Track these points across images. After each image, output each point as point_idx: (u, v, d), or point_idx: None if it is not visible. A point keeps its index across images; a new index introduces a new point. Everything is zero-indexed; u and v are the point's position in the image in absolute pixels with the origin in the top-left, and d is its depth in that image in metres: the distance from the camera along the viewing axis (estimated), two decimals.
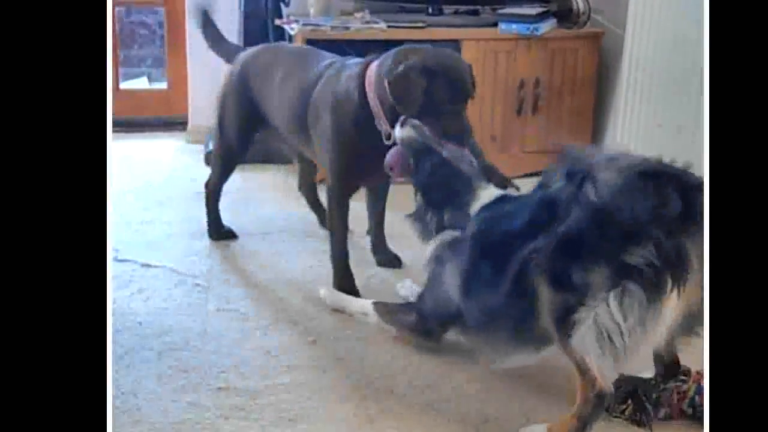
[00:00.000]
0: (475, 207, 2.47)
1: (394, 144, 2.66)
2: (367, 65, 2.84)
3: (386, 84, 2.69)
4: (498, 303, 2.25)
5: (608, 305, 1.99)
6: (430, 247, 2.55)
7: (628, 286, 1.98)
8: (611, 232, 2.00)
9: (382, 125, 2.75)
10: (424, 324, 2.58)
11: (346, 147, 2.86)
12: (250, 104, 3.19)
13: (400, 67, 2.69)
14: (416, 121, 2.59)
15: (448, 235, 2.50)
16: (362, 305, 2.79)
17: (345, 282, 2.98)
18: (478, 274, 2.33)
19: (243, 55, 3.28)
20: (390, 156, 2.65)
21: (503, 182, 2.58)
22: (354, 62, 2.95)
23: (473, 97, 2.80)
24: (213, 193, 3.42)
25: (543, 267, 2.10)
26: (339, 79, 2.89)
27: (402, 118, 2.61)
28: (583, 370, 2.09)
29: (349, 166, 2.90)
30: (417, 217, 2.59)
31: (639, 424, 2.29)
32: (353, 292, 2.95)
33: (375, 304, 2.74)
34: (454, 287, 2.41)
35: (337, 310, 2.85)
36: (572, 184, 2.11)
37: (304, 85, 2.99)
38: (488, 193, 2.50)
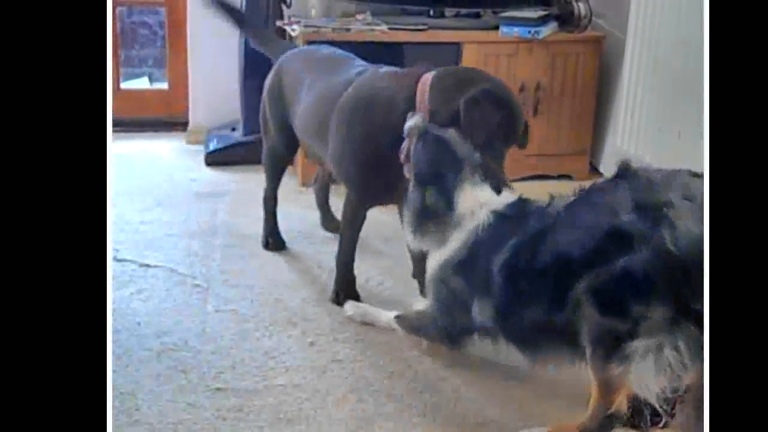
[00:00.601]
0: (462, 200, 2.36)
1: None
2: (418, 76, 2.66)
3: (461, 104, 2.52)
4: (550, 325, 2.16)
5: (678, 345, 1.96)
6: (430, 267, 2.46)
7: (692, 330, 1.95)
8: (682, 278, 1.95)
9: None
10: (447, 334, 2.49)
11: (376, 161, 2.69)
12: (285, 108, 3.09)
13: (477, 90, 2.54)
14: (421, 116, 2.52)
15: (450, 252, 2.39)
16: (388, 318, 2.70)
17: (347, 286, 2.95)
18: (522, 296, 2.22)
19: (282, 57, 3.19)
20: (399, 150, 2.56)
21: (498, 183, 2.43)
22: (388, 70, 2.80)
23: (519, 145, 2.69)
24: (267, 201, 3.36)
25: (595, 287, 2.05)
26: (373, 87, 2.73)
27: (410, 113, 2.53)
28: (606, 391, 2.09)
29: (376, 182, 2.75)
30: (406, 198, 2.50)
31: (637, 427, 2.29)
32: (354, 296, 2.93)
33: (397, 318, 2.66)
34: (484, 310, 2.31)
35: (366, 323, 2.80)
36: (646, 221, 2.01)
37: (330, 91, 2.84)
38: (484, 194, 2.38)
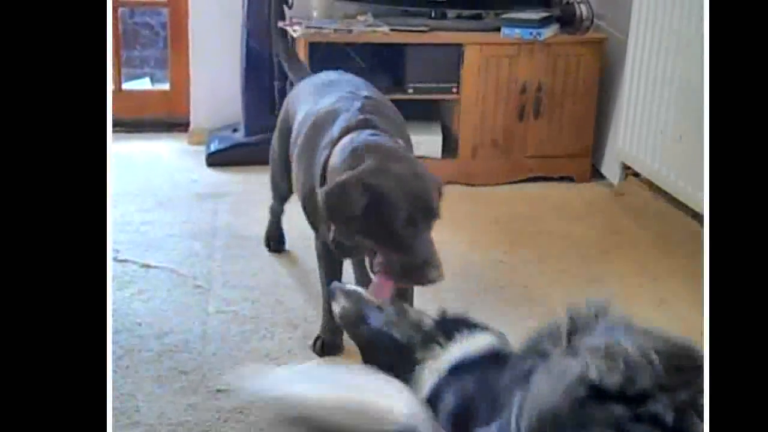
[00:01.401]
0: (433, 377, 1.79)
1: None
2: (335, 141, 2.41)
3: (320, 197, 2.29)
4: None
5: None
6: None
7: None
8: None
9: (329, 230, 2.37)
10: None
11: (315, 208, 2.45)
12: (287, 135, 2.85)
13: (338, 179, 2.25)
14: (346, 287, 2.01)
15: None
16: None
17: (333, 336, 2.68)
18: None
19: (300, 83, 3.03)
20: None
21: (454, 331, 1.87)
22: (338, 116, 2.50)
23: (436, 218, 2.26)
24: (274, 209, 3.33)
25: None
26: (317, 132, 2.52)
27: (331, 287, 2.04)
28: None
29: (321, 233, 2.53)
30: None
31: None
32: (338, 346, 2.68)
33: None
34: None
35: None
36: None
37: (310, 115, 2.65)
38: (457, 350, 1.82)
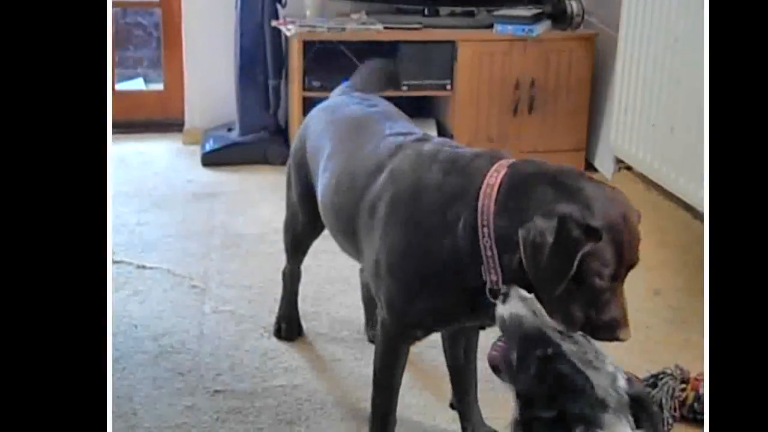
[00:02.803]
0: None
1: (495, 302, 1.70)
2: (484, 172, 1.86)
3: (520, 240, 1.73)
4: None
5: None
6: None
7: None
8: None
9: (490, 275, 1.83)
10: None
11: (418, 280, 1.95)
12: (308, 177, 2.40)
13: (544, 217, 1.72)
14: (525, 293, 1.65)
15: None
16: None
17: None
18: None
19: (310, 114, 2.53)
20: (493, 349, 1.67)
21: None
22: (436, 151, 1.99)
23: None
24: (286, 276, 2.75)
25: None
26: (419, 181, 1.95)
27: (505, 288, 1.69)
28: None
29: (418, 307, 1.98)
30: None
31: None
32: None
33: None
34: None
35: None
36: None
37: (353, 175, 2.12)
38: None
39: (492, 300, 1.75)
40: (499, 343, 1.65)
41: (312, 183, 2.37)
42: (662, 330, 2.84)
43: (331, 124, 2.33)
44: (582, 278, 1.71)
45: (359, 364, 2.58)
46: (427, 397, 2.43)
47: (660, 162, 3.56)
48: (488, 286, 1.83)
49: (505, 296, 1.65)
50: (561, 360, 1.52)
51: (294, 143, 2.52)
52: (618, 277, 1.75)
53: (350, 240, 2.16)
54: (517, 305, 1.62)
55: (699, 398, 2.30)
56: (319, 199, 2.28)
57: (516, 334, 1.61)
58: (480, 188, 1.83)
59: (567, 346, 1.53)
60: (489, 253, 1.80)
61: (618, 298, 1.77)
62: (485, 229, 1.80)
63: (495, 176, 1.84)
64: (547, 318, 1.62)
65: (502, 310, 1.64)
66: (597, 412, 1.46)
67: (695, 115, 3.18)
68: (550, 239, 1.68)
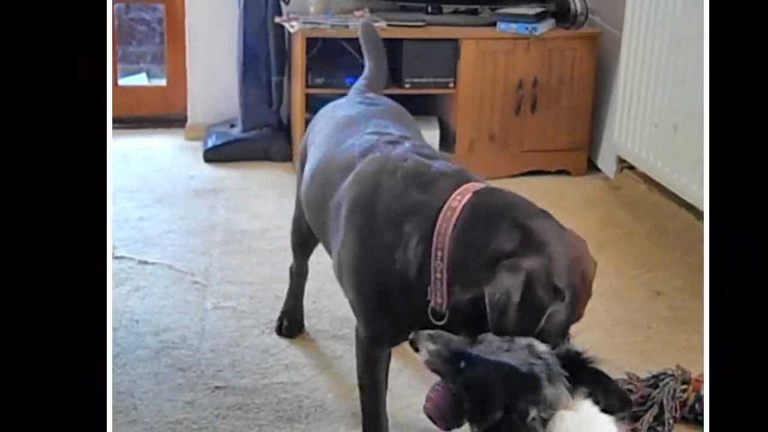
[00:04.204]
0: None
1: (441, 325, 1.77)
2: (447, 194, 1.82)
3: (486, 295, 1.68)
4: None
5: None
6: None
7: None
8: None
9: (435, 296, 1.80)
10: None
11: (373, 290, 1.93)
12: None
13: (510, 272, 1.67)
14: (427, 332, 1.69)
15: None
16: None
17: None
18: None
19: (323, 108, 2.53)
20: (430, 395, 1.66)
21: (621, 405, 1.56)
22: (403, 165, 1.93)
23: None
24: (293, 274, 2.76)
25: None
26: (377, 190, 1.91)
27: (412, 335, 1.69)
28: None
29: (378, 317, 1.97)
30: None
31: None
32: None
33: None
34: None
35: None
36: None
37: (327, 169, 2.12)
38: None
39: (434, 321, 1.78)
40: (435, 394, 1.64)
41: None
42: (663, 330, 2.83)
43: (329, 119, 2.32)
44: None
45: None
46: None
47: (662, 161, 3.56)
48: (431, 305, 1.80)
49: (415, 346, 1.67)
50: (473, 365, 1.56)
51: (301, 145, 2.51)
52: (563, 334, 1.74)
53: (322, 234, 2.16)
54: (428, 345, 1.65)
55: (700, 399, 2.30)
56: (301, 193, 2.29)
57: (442, 368, 1.64)
58: (441, 209, 1.79)
59: (475, 349, 1.58)
60: (438, 276, 1.77)
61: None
62: (439, 252, 1.77)
63: (458, 200, 1.80)
64: (454, 338, 1.65)
65: (420, 356, 1.67)
66: (535, 390, 1.48)
67: (698, 115, 3.18)
68: (516, 298, 1.65)
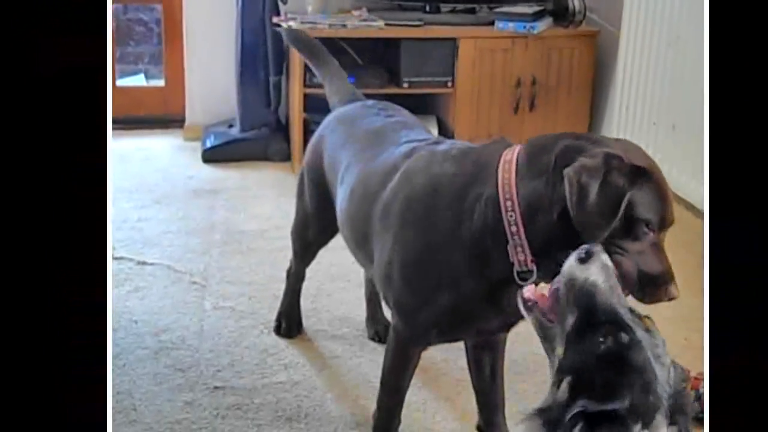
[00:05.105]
0: None
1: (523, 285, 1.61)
2: (498, 155, 1.82)
3: (566, 180, 1.66)
4: None
5: None
6: None
7: None
8: None
9: (517, 254, 1.76)
10: None
11: (434, 279, 1.88)
12: (326, 190, 2.36)
13: (588, 157, 1.67)
14: (609, 260, 1.46)
15: None
16: None
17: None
18: None
19: (324, 124, 2.45)
20: (530, 290, 1.53)
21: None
22: (449, 149, 1.97)
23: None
24: (291, 275, 2.75)
25: None
26: (432, 176, 1.91)
27: (585, 247, 1.46)
28: None
29: (431, 309, 1.91)
30: (546, 418, 1.36)
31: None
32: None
33: None
34: None
35: None
36: None
37: (368, 183, 2.08)
38: None
39: (521, 283, 1.68)
40: (556, 287, 1.47)
41: (329, 196, 2.33)
42: (662, 329, 2.81)
43: (350, 137, 2.28)
44: (628, 226, 1.67)
45: (359, 361, 2.58)
46: (425, 395, 2.42)
47: (661, 160, 3.54)
48: (516, 268, 1.75)
49: (587, 256, 1.44)
50: (636, 350, 1.36)
51: (307, 155, 2.47)
52: (662, 227, 1.74)
53: (362, 247, 2.11)
54: (597, 272, 1.42)
55: (699, 397, 2.30)
56: (338, 213, 2.25)
57: (583, 302, 1.41)
58: (497, 167, 1.79)
59: (641, 334, 1.39)
60: (514, 229, 1.74)
61: (663, 254, 1.75)
62: (508, 203, 1.74)
63: (510, 153, 1.80)
64: (622, 297, 1.46)
65: (579, 271, 1.43)
66: (654, 411, 1.31)
67: (697, 113, 3.18)
68: (598, 178, 1.63)
